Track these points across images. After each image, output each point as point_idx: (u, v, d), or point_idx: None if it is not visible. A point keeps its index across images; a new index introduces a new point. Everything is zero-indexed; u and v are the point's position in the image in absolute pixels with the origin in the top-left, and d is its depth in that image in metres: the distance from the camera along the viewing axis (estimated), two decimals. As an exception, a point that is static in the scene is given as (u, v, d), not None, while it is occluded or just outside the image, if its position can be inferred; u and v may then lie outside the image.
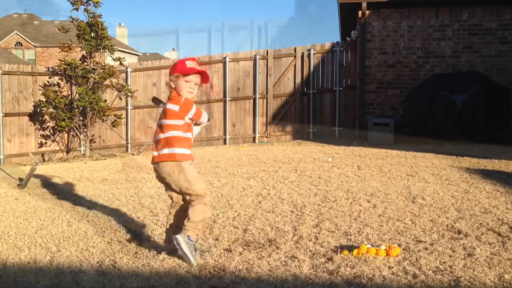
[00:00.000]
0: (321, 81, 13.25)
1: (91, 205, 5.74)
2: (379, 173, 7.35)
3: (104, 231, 4.56)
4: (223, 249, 3.89)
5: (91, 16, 12.12)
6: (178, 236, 3.55)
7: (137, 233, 4.47)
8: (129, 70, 13.55)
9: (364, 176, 7.12)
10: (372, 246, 3.64)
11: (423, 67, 12.30)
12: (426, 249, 3.66)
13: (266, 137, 13.47)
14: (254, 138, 13.45)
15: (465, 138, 10.95)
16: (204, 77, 3.82)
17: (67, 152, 13.21)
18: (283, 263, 3.49)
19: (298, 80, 13.23)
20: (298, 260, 3.50)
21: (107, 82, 12.44)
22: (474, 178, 6.72)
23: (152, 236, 4.38)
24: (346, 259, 3.47)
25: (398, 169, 7.65)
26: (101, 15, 12.26)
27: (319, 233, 4.21)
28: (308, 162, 8.78)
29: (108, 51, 12.40)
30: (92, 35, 12.02)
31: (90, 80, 12.24)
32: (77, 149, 13.36)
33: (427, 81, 11.89)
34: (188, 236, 3.57)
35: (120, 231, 4.55)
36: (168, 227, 3.91)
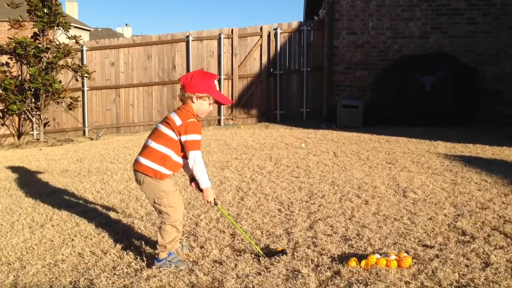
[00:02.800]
0: (288, 61, 12.83)
1: (53, 204, 5.17)
2: (358, 161, 7.07)
3: (73, 239, 4.04)
4: (213, 261, 3.48)
5: (44, -10, 11.20)
6: (157, 264, 3.42)
7: (111, 241, 3.97)
8: (85, 48, 12.69)
9: (344, 164, 6.82)
10: (380, 255, 3.32)
11: (391, 48, 12.07)
12: (437, 256, 3.36)
13: (232, 119, 13.00)
14: (219, 121, 12.96)
15: (435, 120, 10.88)
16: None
17: (19, 137, 12.34)
18: (285, 279, 3.11)
19: (265, 60, 12.77)
20: (302, 275, 3.13)
21: (62, 62, 11.59)
22: (456, 166, 6.54)
23: (129, 243, 3.90)
24: (356, 273, 3.12)
25: (376, 156, 7.40)
26: (54, -11, 11.36)
27: (315, 238, 3.85)
28: (281, 148, 8.42)
29: (63, 28, 11.52)
30: (45, 11, 11.10)
31: (43, 59, 11.36)
32: (30, 133, 12.50)
33: (396, 62, 11.70)
34: (164, 258, 3.42)
35: (91, 238, 4.05)
36: None
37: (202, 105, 3.41)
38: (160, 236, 3.41)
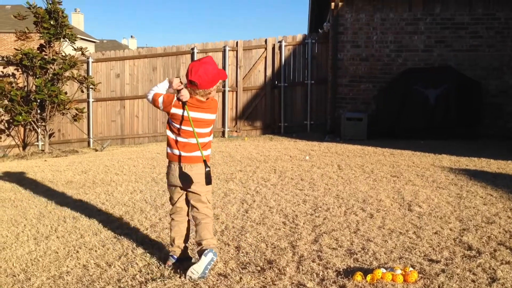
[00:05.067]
0: (293, 74, 12.88)
1: (58, 215, 5.18)
2: (362, 174, 7.07)
3: (77, 251, 4.04)
4: (218, 274, 3.47)
5: (51, 2, 11.30)
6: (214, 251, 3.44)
7: (116, 253, 3.97)
8: (90, 60, 12.78)
9: (348, 177, 6.81)
10: (386, 269, 3.30)
11: (395, 61, 12.11)
12: (443, 271, 3.35)
13: (236, 131, 13.02)
14: (223, 133, 12.98)
15: (439, 133, 10.89)
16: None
17: (24, 148, 12.38)
18: (291, 293, 3.10)
19: (269, 72, 12.82)
20: (308, 289, 3.12)
21: (67, 73, 11.67)
22: (461, 180, 6.52)
23: (134, 255, 3.89)
24: None
25: (381, 169, 7.39)
26: (61, 1, 11.46)
27: (320, 251, 3.84)
28: (285, 161, 8.42)
29: (69, 40, 11.62)
30: (52, 23, 11.20)
31: (49, 71, 11.44)
32: (35, 143, 12.54)
33: (400, 75, 11.73)
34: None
35: (96, 250, 4.05)
36: (179, 239, 3.69)
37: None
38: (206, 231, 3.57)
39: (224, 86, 12.72)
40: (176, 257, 3.63)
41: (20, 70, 11.93)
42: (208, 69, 3.43)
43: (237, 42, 12.82)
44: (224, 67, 12.79)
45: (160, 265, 3.64)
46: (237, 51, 12.79)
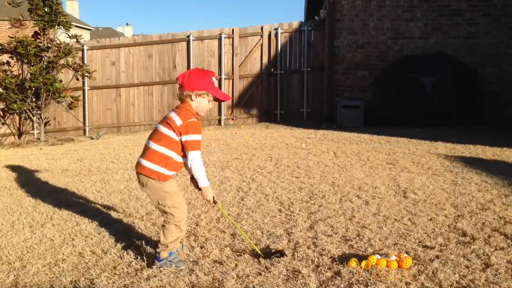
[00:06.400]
0: (289, 61, 12.84)
1: (54, 203, 5.17)
2: (358, 161, 7.07)
3: (73, 238, 4.04)
4: (214, 261, 3.48)
5: (44, -11, 11.22)
6: (157, 263, 3.41)
7: (112, 240, 3.97)
8: (85, 48, 12.71)
9: (344, 165, 6.82)
10: (381, 256, 3.32)
11: (392, 48, 12.08)
12: (437, 257, 3.36)
13: (232, 119, 13.00)
14: (219, 121, 12.96)
15: (435, 121, 10.88)
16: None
17: (19, 136, 12.34)
18: (286, 280, 3.11)
19: (265, 60, 12.78)
20: (302, 276, 3.13)
21: (62, 61, 11.60)
22: (456, 166, 6.54)
23: (130, 243, 3.90)
24: (356, 274, 3.12)
25: (377, 157, 7.40)
26: (55, -12, 11.38)
27: (316, 238, 3.85)
28: (281, 149, 8.42)
29: (64, 27, 11.52)
30: (46, 10, 11.11)
31: (44, 59, 11.37)
32: (30, 132, 12.50)
33: (397, 63, 11.70)
34: (165, 258, 3.42)
35: (92, 238, 4.05)
36: None
37: (201, 103, 3.41)
38: (162, 235, 3.41)
39: (220, 74, 12.67)
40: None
41: (15, 58, 11.85)
42: (194, 71, 3.41)
43: (233, 30, 12.76)
44: (220, 55, 12.75)
45: (156, 252, 3.64)
46: (233, 38, 12.73)
